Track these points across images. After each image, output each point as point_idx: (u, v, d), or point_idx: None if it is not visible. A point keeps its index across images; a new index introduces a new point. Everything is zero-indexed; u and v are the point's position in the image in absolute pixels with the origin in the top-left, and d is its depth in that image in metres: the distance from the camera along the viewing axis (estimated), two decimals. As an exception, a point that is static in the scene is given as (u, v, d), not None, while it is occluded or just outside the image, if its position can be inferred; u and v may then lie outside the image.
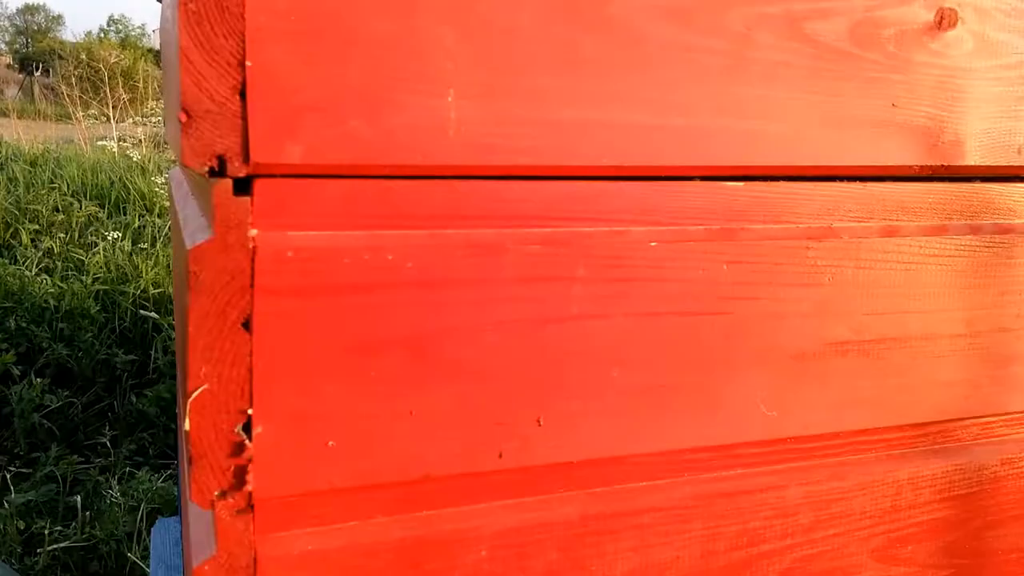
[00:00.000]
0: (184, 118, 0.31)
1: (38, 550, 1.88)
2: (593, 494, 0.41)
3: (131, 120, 6.75)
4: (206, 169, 0.32)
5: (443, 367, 0.36)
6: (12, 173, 3.86)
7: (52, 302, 2.56)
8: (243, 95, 0.32)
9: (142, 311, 2.56)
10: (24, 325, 2.48)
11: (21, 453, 2.25)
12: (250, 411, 0.34)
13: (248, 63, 0.32)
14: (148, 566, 1.83)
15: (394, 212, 0.35)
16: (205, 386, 0.33)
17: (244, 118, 0.32)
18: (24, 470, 2.13)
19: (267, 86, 0.32)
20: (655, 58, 0.37)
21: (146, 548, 1.87)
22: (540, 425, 0.38)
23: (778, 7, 0.39)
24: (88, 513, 1.98)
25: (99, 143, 5.35)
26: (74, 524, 1.97)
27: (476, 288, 0.36)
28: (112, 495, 2.01)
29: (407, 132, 0.34)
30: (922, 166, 0.43)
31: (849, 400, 0.44)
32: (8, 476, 2.05)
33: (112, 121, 5.59)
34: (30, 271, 2.73)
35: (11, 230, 3.19)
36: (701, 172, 0.39)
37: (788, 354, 0.42)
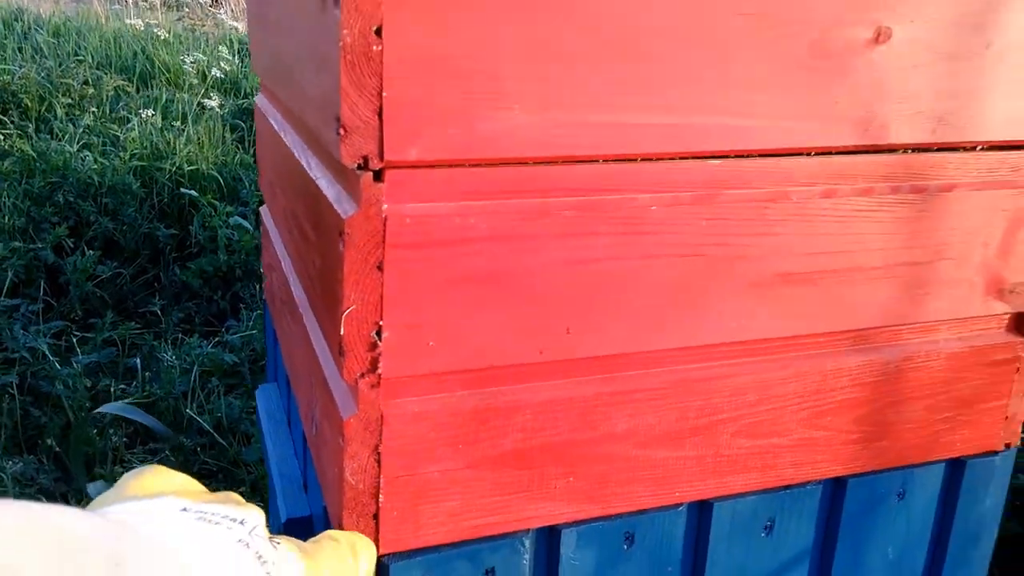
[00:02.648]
0: (343, 132, 0.47)
1: (104, 404, 2.12)
2: (604, 378, 0.59)
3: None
4: (355, 165, 0.48)
5: (505, 294, 0.53)
6: (36, 44, 3.91)
7: (96, 178, 2.71)
8: (380, 115, 0.47)
9: (181, 189, 2.71)
10: (72, 199, 2.64)
11: (78, 319, 2.47)
12: (381, 322, 0.51)
13: (385, 92, 0.47)
14: (204, 421, 2.07)
15: (475, 189, 0.51)
16: (353, 306, 0.50)
17: (381, 129, 0.48)
18: (87, 334, 2.35)
19: (397, 109, 0.48)
20: (664, 73, 0.52)
21: (200, 405, 2.11)
22: (569, 333, 0.56)
23: (756, 23, 0.53)
24: (147, 374, 2.22)
25: (114, 8, 5.32)
26: (135, 383, 2.21)
27: (529, 241, 0.53)
28: (167, 358, 2.24)
29: (487, 135, 0.50)
30: (857, 145, 0.58)
31: (791, 314, 0.61)
32: (75, 340, 2.28)
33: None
34: (71, 147, 2.86)
35: (45, 104, 3.30)
36: (692, 155, 0.55)
37: (748, 283, 0.59)
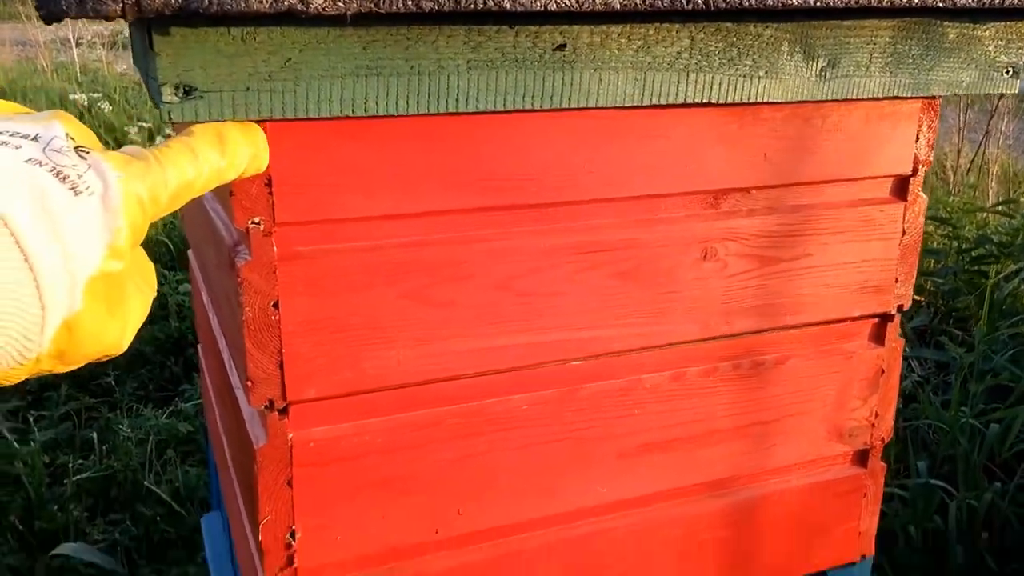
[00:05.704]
0: (250, 384, 0.56)
1: (64, 480, 2.17)
2: (493, 544, 0.68)
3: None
4: (263, 407, 0.57)
5: (401, 492, 0.63)
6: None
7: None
8: (281, 367, 0.57)
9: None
10: (22, 273, 2.67)
11: (33, 391, 2.50)
12: (293, 526, 0.60)
13: (283, 350, 0.56)
14: (163, 491, 2.12)
15: (368, 411, 0.61)
16: (269, 516, 0.59)
17: (282, 379, 0.57)
18: (42, 412, 2.39)
19: (294, 361, 0.57)
20: (524, 305, 0.62)
21: (157, 475, 2.17)
22: (460, 514, 0.65)
23: (601, 258, 0.63)
24: (104, 447, 2.26)
25: (59, 60, 5.31)
26: (92, 456, 2.25)
27: (420, 448, 0.62)
28: (123, 430, 2.29)
29: (374, 371, 0.59)
30: (699, 339, 0.69)
31: (654, 476, 0.71)
32: (31, 418, 2.32)
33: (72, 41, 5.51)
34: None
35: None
36: (555, 360, 0.65)
37: (614, 454, 0.69)
